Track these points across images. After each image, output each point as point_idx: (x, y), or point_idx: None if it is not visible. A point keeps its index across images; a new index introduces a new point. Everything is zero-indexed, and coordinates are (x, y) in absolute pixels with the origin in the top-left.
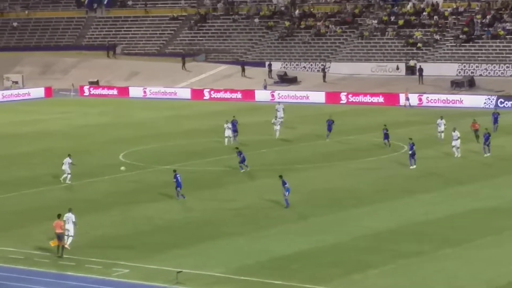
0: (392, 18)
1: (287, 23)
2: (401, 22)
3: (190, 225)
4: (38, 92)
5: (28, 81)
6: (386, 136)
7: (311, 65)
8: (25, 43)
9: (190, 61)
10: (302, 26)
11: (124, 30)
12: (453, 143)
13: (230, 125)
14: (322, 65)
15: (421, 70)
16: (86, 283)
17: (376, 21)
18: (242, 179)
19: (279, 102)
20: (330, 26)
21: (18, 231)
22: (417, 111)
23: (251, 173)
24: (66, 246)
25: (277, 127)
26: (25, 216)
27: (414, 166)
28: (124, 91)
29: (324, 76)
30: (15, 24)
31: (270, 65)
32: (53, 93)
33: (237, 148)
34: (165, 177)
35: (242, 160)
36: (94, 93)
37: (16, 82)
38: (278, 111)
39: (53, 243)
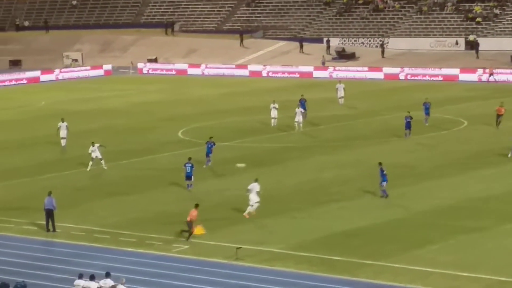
0: None
1: None
2: None
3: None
4: (97, 70)
5: (88, 59)
6: (408, 125)
7: (369, 41)
8: (84, 21)
9: (248, 38)
10: (360, 2)
11: (182, 8)
12: None
13: (276, 105)
14: (380, 40)
15: (477, 44)
16: (147, 259)
17: None
18: (301, 155)
19: (340, 80)
20: (388, 1)
21: (79, 208)
22: (475, 86)
23: (310, 149)
24: (244, 214)
25: (299, 118)
26: (86, 193)
27: None
28: (182, 69)
29: (382, 52)
30: (74, 2)
31: (328, 41)
32: (112, 71)
33: (211, 137)
34: (224, 154)
35: (209, 152)
36: (153, 69)
37: (76, 60)
38: (339, 90)
39: (197, 231)
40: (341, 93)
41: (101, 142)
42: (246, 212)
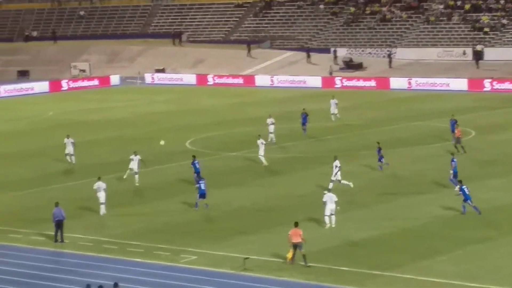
0: (459, 3)
1: (352, 9)
2: (467, 6)
3: (258, 211)
4: (105, 80)
5: (95, 69)
6: (380, 155)
7: (377, 51)
8: (92, 32)
9: (255, 48)
10: (367, 12)
11: (190, 18)
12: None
13: (273, 120)
14: (388, 50)
15: (479, 54)
16: (154, 270)
17: (442, 6)
18: (307, 166)
19: (333, 95)
20: (395, 11)
21: (87, 218)
22: (482, 96)
23: (316, 159)
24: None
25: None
26: (94, 204)
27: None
28: (190, 78)
29: (390, 62)
30: (82, 13)
31: (335, 51)
32: (120, 81)
33: (194, 156)
34: (231, 164)
35: (196, 171)
36: (161, 79)
37: (84, 71)
38: (332, 106)
39: (289, 255)
40: (333, 109)
41: (109, 152)
42: (329, 223)
